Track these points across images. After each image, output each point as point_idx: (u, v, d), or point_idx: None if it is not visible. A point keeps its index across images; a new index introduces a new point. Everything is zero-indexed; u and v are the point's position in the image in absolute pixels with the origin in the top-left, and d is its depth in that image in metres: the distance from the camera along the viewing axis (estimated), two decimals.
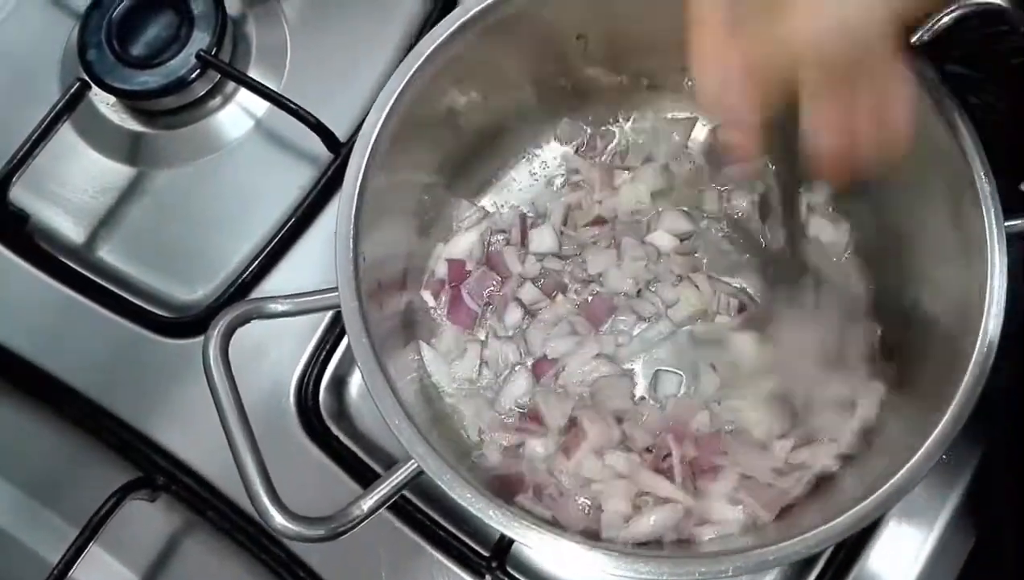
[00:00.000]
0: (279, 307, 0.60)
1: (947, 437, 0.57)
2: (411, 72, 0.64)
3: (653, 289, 0.76)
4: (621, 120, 0.82)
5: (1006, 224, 0.60)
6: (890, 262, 0.73)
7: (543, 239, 0.77)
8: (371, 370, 0.58)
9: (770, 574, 0.77)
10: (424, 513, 0.79)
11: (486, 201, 0.82)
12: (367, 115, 0.64)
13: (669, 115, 0.81)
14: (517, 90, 0.76)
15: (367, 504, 0.58)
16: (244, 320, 0.60)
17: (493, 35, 0.66)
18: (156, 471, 0.81)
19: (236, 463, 0.57)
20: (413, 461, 0.58)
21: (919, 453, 0.57)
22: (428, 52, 0.64)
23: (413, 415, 0.60)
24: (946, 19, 0.64)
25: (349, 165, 0.62)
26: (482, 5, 0.65)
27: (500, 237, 0.79)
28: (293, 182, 0.90)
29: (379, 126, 0.63)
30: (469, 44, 0.66)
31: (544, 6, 0.68)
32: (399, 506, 0.78)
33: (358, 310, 0.59)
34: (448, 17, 0.65)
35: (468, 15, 0.65)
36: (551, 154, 0.83)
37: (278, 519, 0.56)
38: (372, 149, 0.62)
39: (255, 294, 0.85)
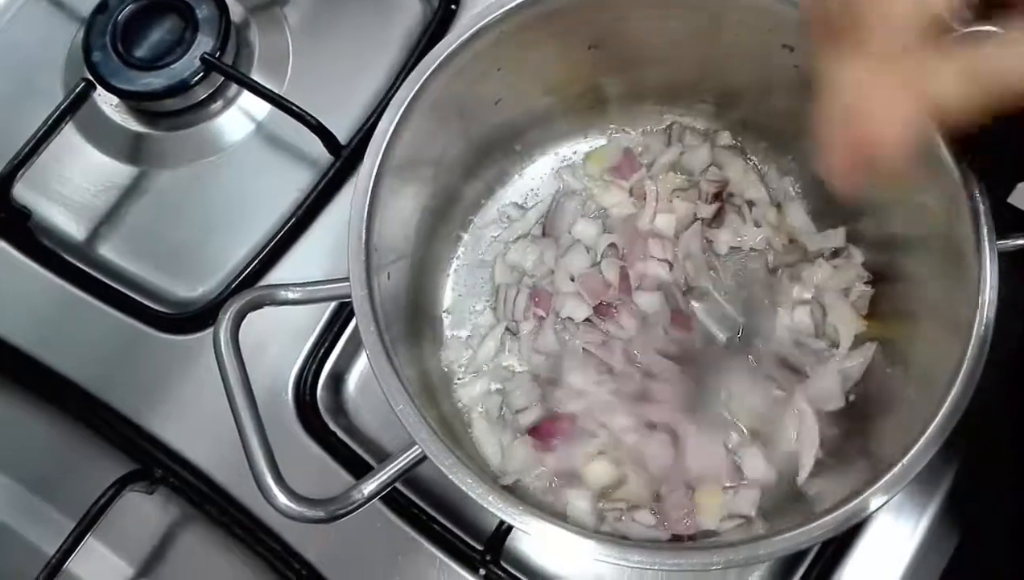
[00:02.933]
0: (290, 294, 0.62)
1: (931, 445, 0.58)
2: (428, 72, 0.65)
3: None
4: (636, 130, 0.85)
5: (998, 242, 0.61)
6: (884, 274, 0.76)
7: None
8: (378, 355, 0.59)
9: (757, 571, 0.78)
10: (419, 507, 0.80)
11: (499, 199, 0.84)
12: (375, 109, 0.65)
13: (689, 127, 0.84)
14: (532, 94, 0.78)
15: (368, 488, 0.59)
16: (255, 306, 0.61)
17: (508, 42, 0.68)
18: (154, 464, 0.82)
19: (243, 443, 0.58)
20: (415, 447, 0.60)
21: (904, 460, 0.58)
22: (445, 54, 0.66)
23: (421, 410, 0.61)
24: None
25: (364, 161, 0.64)
26: (498, 12, 0.67)
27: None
28: (292, 184, 0.91)
29: (396, 119, 0.64)
30: (485, 48, 0.67)
31: (555, 16, 0.69)
32: (394, 500, 0.80)
33: (368, 298, 0.60)
34: (465, 22, 0.67)
35: (485, 21, 0.67)
36: (567, 154, 0.85)
37: (281, 499, 0.57)
38: (388, 142, 0.64)
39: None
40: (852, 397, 0.73)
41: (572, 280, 0.78)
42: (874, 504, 0.57)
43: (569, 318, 0.77)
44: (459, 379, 0.78)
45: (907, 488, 0.71)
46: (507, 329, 0.78)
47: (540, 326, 0.77)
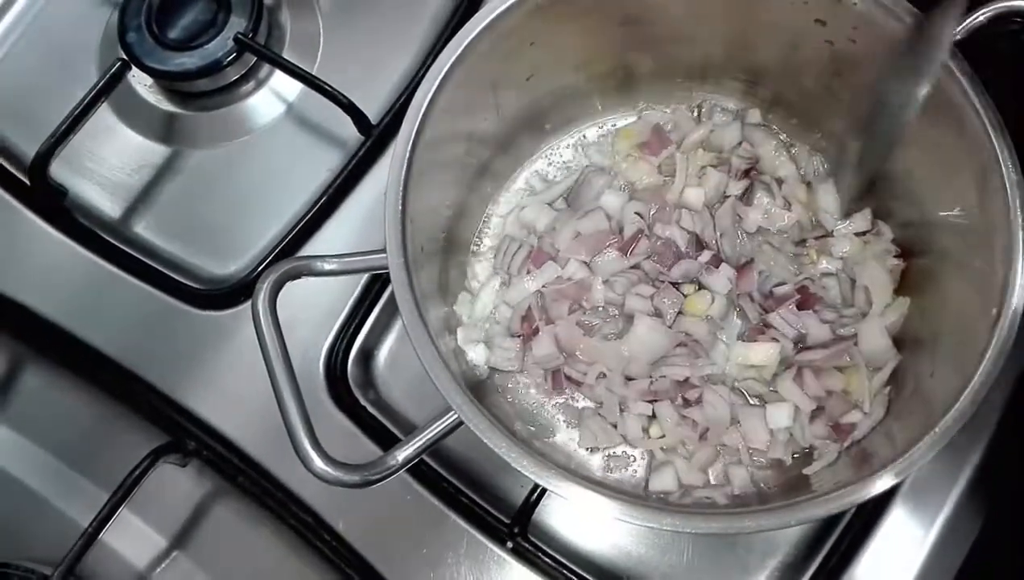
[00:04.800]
0: (327, 265, 0.63)
1: (968, 408, 0.59)
2: (464, 44, 0.66)
3: None
4: (666, 107, 0.85)
5: None
6: (914, 249, 0.76)
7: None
8: (414, 323, 0.60)
9: (786, 543, 0.78)
10: (447, 480, 0.81)
11: (528, 174, 0.85)
12: (406, 88, 0.66)
13: (719, 105, 0.84)
14: (563, 71, 0.78)
15: (402, 455, 0.61)
16: (293, 276, 0.62)
17: (542, 16, 0.69)
18: (187, 437, 0.84)
19: (281, 409, 0.59)
20: (449, 414, 0.61)
21: (938, 427, 0.59)
22: (481, 27, 0.67)
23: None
24: (981, 18, 0.67)
25: (401, 129, 0.64)
26: None
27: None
28: (323, 165, 0.93)
29: (430, 95, 0.65)
30: (520, 22, 0.68)
31: None
32: (422, 473, 0.81)
33: (404, 266, 0.61)
34: (495, 1, 0.68)
35: None
36: (597, 131, 0.86)
37: (318, 463, 0.58)
38: (424, 115, 0.65)
39: None
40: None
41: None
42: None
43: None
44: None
45: (929, 472, 0.73)
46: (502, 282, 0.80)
47: (538, 336, 0.77)
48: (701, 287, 0.78)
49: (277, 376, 0.60)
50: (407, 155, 0.63)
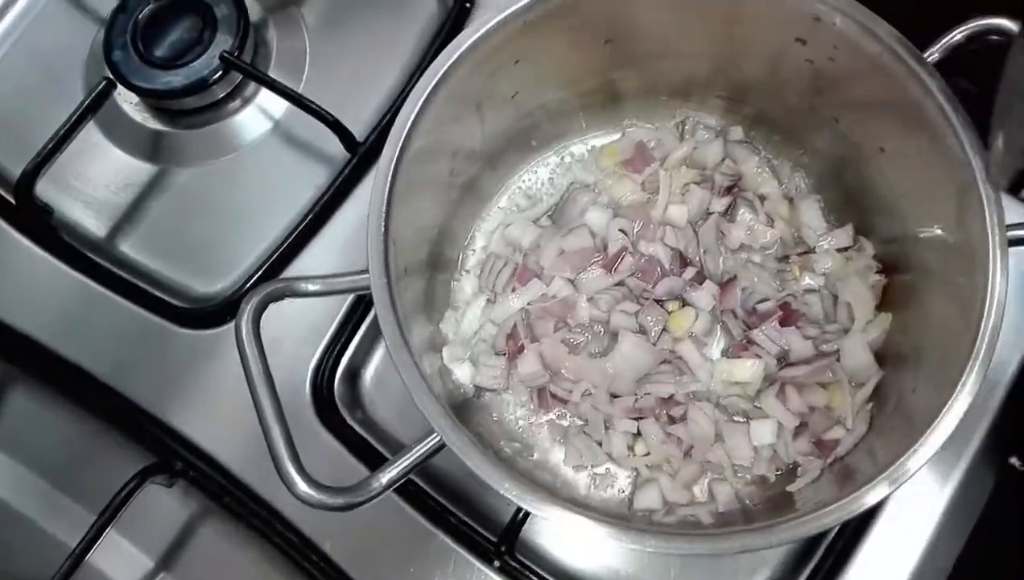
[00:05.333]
0: (310, 286, 0.63)
1: (950, 424, 0.60)
2: (448, 63, 0.67)
3: None
4: (649, 124, 0.85)
5: (1009, 234, 0.62)
6: (896, 265, 0.76)
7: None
8: (397, 345, 0.60)
9: (769, 565, 0.79)
10: (434, 499, 0.81)
11: (513, 191, 0.85)
12: (391, 106, 0.66)
13: (702, 122, 0.84)
14: (548, 89, 0.79)
15: (386, 477, 0.61)
16: (276, 297, 0.62)
17: (528, 34, 0.69)
18: (174, 457, 0.83)
19: (264, 432, 0.59)
20: (432, 436, 0.61)
21: (913, 449, 0.59)
22: (466, 45, 0.67)
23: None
24: (958, 36, 0.68)
25: (384, 151, 0.65)
26: (515, 7, 0.68)
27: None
28: (309, 182, 0.93)
29: (414, 114, 0.65)
30: (505, 40, 0.68)
31: (573, 9, 0.70)
32: (410, 492, 0.81)
33: (386, 287, 0.61)
34: (488, 15, 0.68)
35: (507, 12, 0.68)
36: (581, 148, 0.86)
37: (302, 487, 0.58)
38: (407, 133, 0.65)
39: None
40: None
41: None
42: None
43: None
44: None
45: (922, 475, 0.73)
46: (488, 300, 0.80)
47: (523, 354, 0.77)
48: (685, 304, 0.78)
49: (260, 399, 0.60)
50: (389, 178, 0.63)
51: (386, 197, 0.63)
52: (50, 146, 0.88)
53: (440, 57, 0.66)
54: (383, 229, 0.62)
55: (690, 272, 0.78)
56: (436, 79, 0.66)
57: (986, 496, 0.79)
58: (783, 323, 0.75)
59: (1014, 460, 0.82)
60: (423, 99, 0.65)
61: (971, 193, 0.62)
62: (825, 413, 0.73)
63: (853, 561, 0.77)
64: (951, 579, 0.77)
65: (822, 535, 0.79)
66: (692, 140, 0.82)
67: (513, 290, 0.79)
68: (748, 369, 0.74)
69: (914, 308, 0.73)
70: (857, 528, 0.77)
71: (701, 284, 0.77)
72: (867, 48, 0.66)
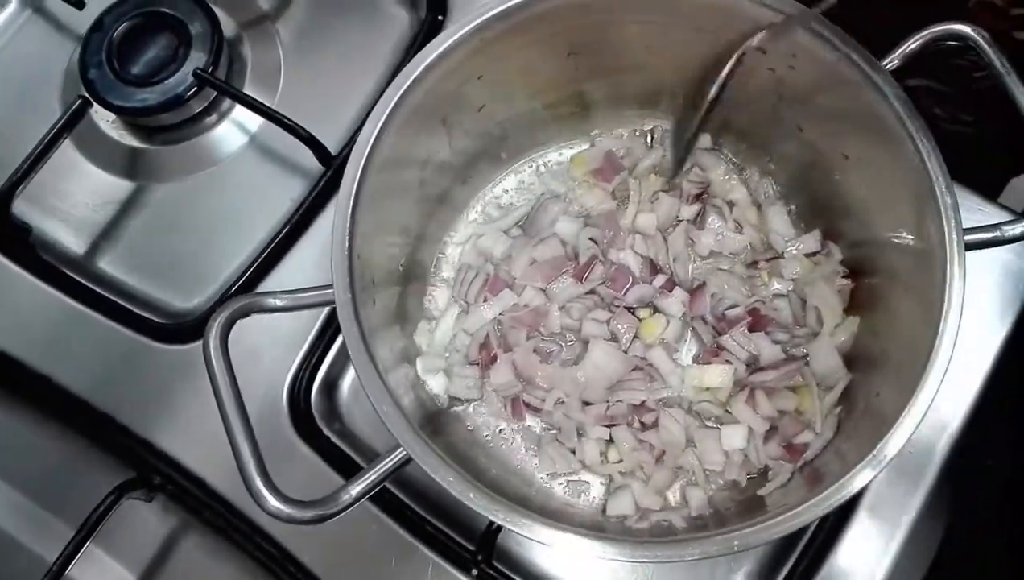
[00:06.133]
0: (277, 302, 0.63)
1: (906, 433, 0.60)
2: (409, 81, 0.67)
3: None
4: (618, 134, 0.86)
5: (967, 237, 0.63)
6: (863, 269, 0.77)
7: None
8: (361, 359, 0.61)
9: (747, 564, 0.79)
10: (412, 510, 0.82)
11: (484, 203, 0.86)
12: (365, 120, 0.67)
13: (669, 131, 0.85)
14: (515, 101, 0.79)
15: (355, 490, 0.61)
16: (243, 314, 0.63)
17: (488, 50, 0.70)
18: (152, 471, 0.84)
19: (232, 448, 0.60)
20: (400, 449, 0.61)
21: (867, 458, 0.60)
22: (425, 63, 0.67)
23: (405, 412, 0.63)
24: (914, 45, 0.69)
25: (347, 166, 0.65)
26: (479, 20, 0.69)
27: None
28: (285, 195, 0.93)
29: (378, 128, 0.66)
30: (465, 56, 0.69)
31: (535, 24, 0.71)
32: (388, 502, 0.81)
33: (351, 302, 0.62)
34: (447, 31, 0.69)
35: (465, 29, 0.69)
36: (551, 158, 0.87)
37: (271, 502, 0.59)
38: (369, 152, 0.66)
39: None
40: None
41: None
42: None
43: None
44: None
45: (890, 483, 0.74)
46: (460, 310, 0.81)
47: (496, 363, 0.78)
48: (656, 311, 0.79)
49: (229, 415, 0.60)
50: (353, 192, 0.64)
51: (350, 211, 0.64)
52: (26, 165, 0.89)
53: (401, 74, 0.67)
54: (347, 244, 0.63)
55: (660, 279, 0.78)
56: (399, 95, 0.66)
57: (963, 491, 0.79)
58: (752, 328, 0.76)
59: (991, 463, 0.83)
60: (386, 114, 0.66)
61: (929, 198, 0.62)
62: (795, 417, 0.74)
63: (834, 553, 0.77)
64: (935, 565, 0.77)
65: (799, 533, 0.79)
66: (661, 148, 0.83)
67: (485, 300, 0.80)
68: (718, 375, 0.75)
69: (882, 311, 0.74)
70: (833, 527, 0.78)
71: (671, 290, 0.78)
72: (824, 56, 0.67)
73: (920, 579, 0.78)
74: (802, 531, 0.79)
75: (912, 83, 0.95)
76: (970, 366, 0.79)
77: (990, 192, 0.84)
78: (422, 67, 0.67)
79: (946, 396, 0.70)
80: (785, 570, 0.79)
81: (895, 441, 0.59)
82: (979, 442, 0.80)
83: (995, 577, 0.84)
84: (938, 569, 0.78)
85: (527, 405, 0.78)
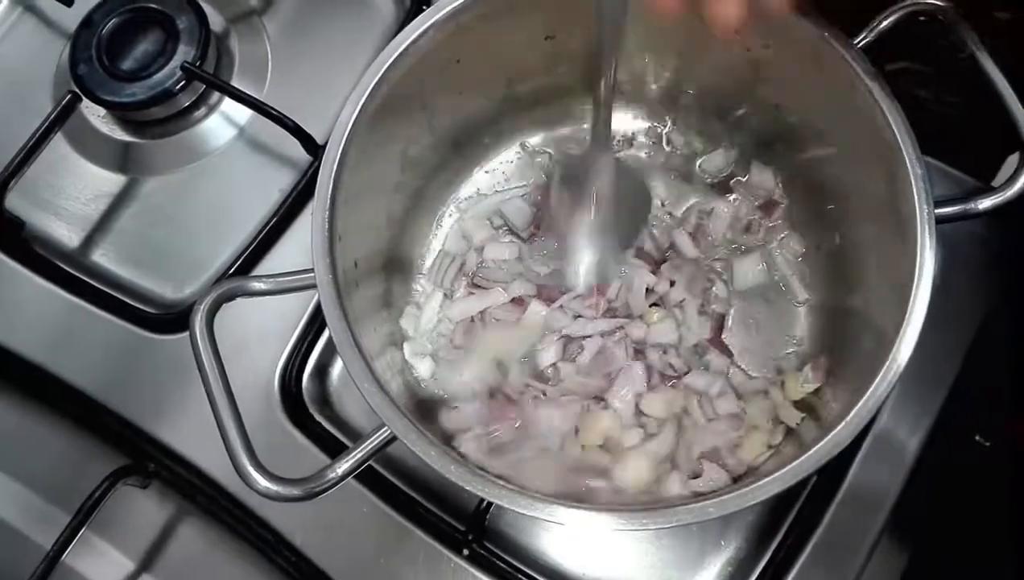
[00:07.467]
0: (261, 286, 0.65)
1: (870, 409, 0.61)
2: (385, 66, 0.68)
3: None
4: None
5: (937, 211, 0.63)
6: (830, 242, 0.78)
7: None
8: (343, 340, 0.62)
9: (725, 552, 0.80)
10: (403, 491, 0.83)
11: (469, 188, 0.87)
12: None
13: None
14: (495, 85, 0.80)
15: (341, 468, 0.62)
16: (228, 297, 0.64)
17: (460, 38, 0.71)
18: (146, 458, 0.85)
19: (219, 430, 0.61)
20: (385, 427, 0.62)
21: (846, 420, 0.61)
22: (402, 47, 0.68)
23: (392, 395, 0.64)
24: (886, 22, 0.69)
25: (327, 149, 0.66)
26: (456, 4, 0.70)
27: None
28: (274, 185, 0.95)
29: (356, 112, 0.67)
30: (442, 41, 0.70)
31: (510, 7, 0.72)
32: (378, 484, 0.82)
33: (332, 283, 0.63)
34: (422, 15, 0.70)
35: (441, 13, 0.70)
36: (536, 142, 0.88)
37: (259, 480, 0.60)
38: (348, 135, 0.66)
39: None
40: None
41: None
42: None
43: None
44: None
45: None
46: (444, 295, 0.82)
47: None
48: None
49: (216, 398, 0.61)
50: (332, 176, 0.65)
51: (329, 198, 0.65)
52: (18, 160, 0.90)
53: (376, 61, 0.68)
54: (327, 227, 0.64)
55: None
56: (375, 79, 0.67)
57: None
58: None
59: (978, 438, 0.83)
60: (363, 100, 0.67)
61: (899, 169, 0.63)
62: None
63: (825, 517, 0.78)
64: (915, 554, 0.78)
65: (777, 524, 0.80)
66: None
67: (472, 294, 0.81)
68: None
69: (856, 290, 0.74)
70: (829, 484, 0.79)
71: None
72: (798, 34, 0.68)
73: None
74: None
75: (894, 66, 0.96)
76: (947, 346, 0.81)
77: (987, 172, 0.85)
78: (397, 53, 0.68)
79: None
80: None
81: (870, 405, 0.60)
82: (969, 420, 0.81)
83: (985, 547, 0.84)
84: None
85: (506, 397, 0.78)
